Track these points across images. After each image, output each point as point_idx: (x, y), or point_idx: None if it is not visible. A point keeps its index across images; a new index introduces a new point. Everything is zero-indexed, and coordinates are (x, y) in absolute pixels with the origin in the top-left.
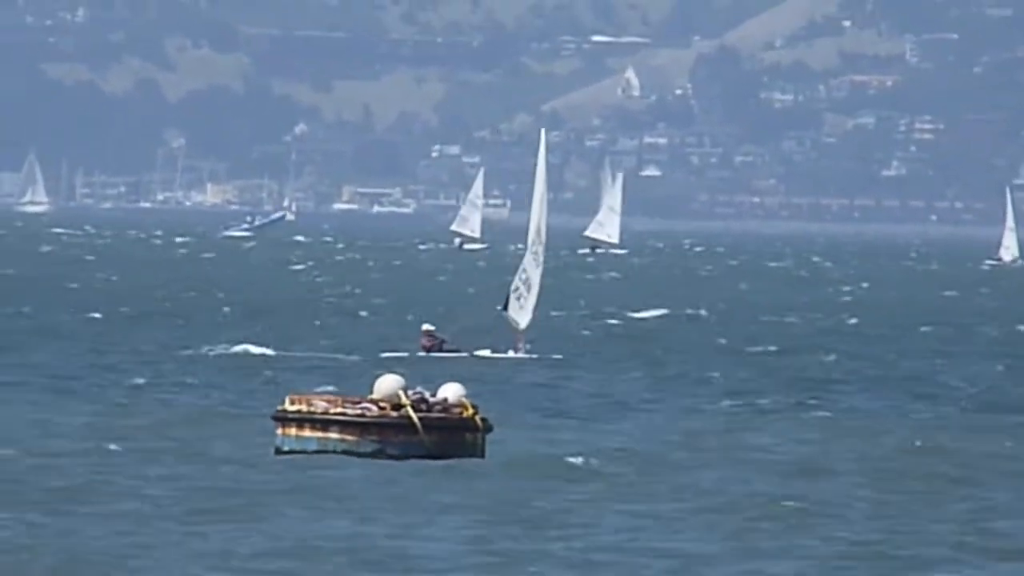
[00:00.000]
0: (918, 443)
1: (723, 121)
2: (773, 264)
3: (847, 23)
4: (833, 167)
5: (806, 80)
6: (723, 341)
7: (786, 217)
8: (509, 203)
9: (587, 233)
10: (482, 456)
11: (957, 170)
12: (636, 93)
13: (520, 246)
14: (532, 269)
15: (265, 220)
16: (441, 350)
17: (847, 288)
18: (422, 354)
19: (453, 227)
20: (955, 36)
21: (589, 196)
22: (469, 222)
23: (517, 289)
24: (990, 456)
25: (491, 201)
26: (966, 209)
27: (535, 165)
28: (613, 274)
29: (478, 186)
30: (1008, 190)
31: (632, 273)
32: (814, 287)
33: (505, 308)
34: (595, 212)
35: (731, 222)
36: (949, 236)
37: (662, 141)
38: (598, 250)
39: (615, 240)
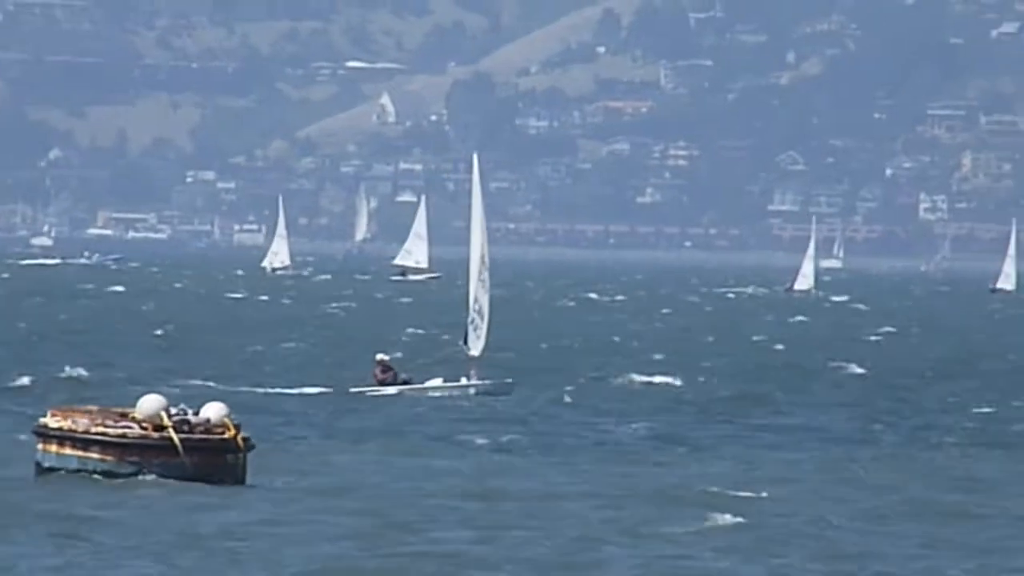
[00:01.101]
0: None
1: (478, 147)
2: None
3: (602, 49)
4: (588, 193)
5: (561, 106)
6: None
7: (542, 243)
8: (264, 228)
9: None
10: (243, 477)
11: (711, 196)
12: (391, 119)
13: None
14: (483, 296)
15: (104, 259)
16: (395, 382)
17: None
18: (375, 385)
19: (396, 260)
20: (709, 62)
21: (344, 222)
22: (413, 254)
23: (473, 320)
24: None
25: (245, 227)
26: (720, 235)
27: (469, 192)
28: (405, 300)
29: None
30: (813, 218)
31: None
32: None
33: (466, 342)
34: (350, 238)
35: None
36: (704, 263)
37: (417, 167)
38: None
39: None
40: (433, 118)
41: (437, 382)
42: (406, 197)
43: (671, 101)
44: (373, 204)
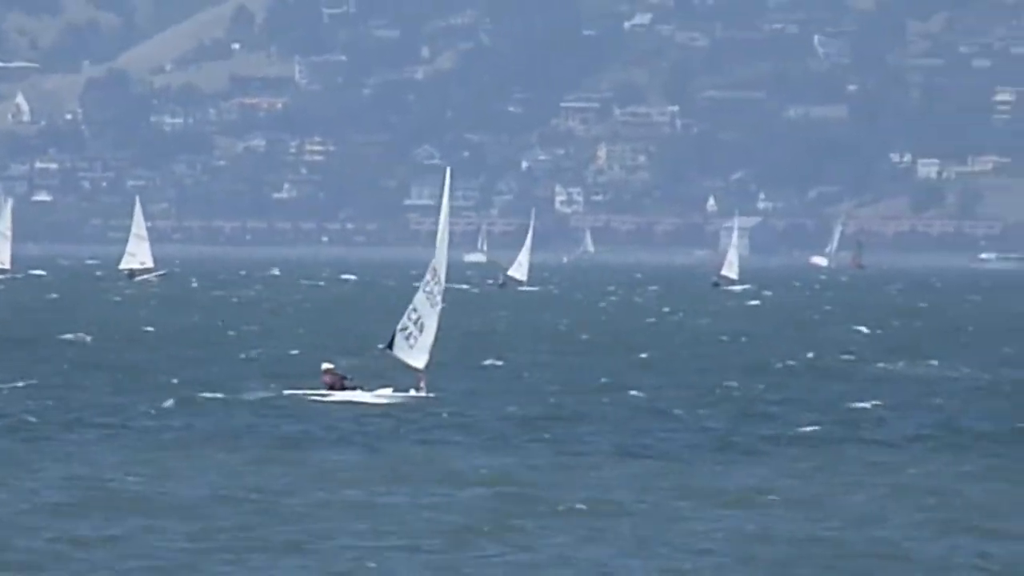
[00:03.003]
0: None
1: (114, 145)
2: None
3: (236, 46)
4: (224, 190)
5: (196, 103)
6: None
7: (179, 240)
8: None
9: (122, 265)
10: None
11: (348, 192)
12: (26, 118)
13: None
14: (425, 308)
15: None
16: (343, 388)
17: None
18: (325, 392)
19: (122, 265)
20: (343, 58)
21: None
22: (137, 256)
23: (405, 328)
24: None
25: None
26: (358, 230)
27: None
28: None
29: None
30: (533, 211)
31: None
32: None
33: (390, 347)
34: None
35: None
36: (344, 257)
37: (53, 166)
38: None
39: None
40: (68, 116)
41: (387, 392)
42: (42, 196)
43: (306, 97)
44: (10, 204)
